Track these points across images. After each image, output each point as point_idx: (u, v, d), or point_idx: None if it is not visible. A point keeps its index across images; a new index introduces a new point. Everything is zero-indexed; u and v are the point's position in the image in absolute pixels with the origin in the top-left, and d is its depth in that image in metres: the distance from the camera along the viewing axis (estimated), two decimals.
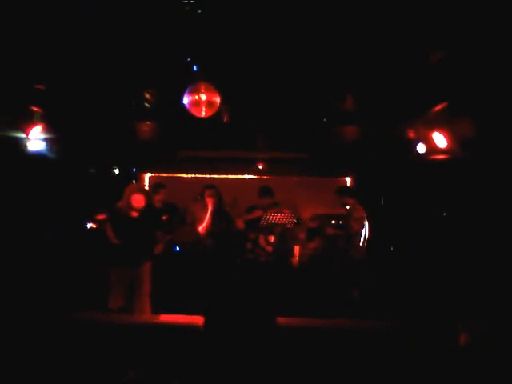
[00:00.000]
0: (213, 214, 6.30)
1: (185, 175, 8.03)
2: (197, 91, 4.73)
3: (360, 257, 6.47)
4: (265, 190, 6.55)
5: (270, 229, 6.36)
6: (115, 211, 5.59)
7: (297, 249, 6.71)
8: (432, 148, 5.98)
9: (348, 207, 6.56)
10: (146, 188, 7.99)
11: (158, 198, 6.60)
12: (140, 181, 8.08)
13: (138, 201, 5.49)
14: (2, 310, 4.78)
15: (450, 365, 3.86)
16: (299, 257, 6.73)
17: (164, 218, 6.31)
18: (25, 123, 5.89)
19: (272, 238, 6.39)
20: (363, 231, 6.47)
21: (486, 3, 3.61)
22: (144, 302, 5.58)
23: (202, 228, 6.28)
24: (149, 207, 5.64)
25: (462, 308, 5.10)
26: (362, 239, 6.47)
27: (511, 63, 4.24)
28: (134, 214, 5.54)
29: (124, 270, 5.51)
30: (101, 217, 5.67)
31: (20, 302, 5.30)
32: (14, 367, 3.80)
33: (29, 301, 5.43)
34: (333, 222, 6.87)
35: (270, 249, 6.40)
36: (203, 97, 4.71)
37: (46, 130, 6.04)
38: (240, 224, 6.54)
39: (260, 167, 7.70)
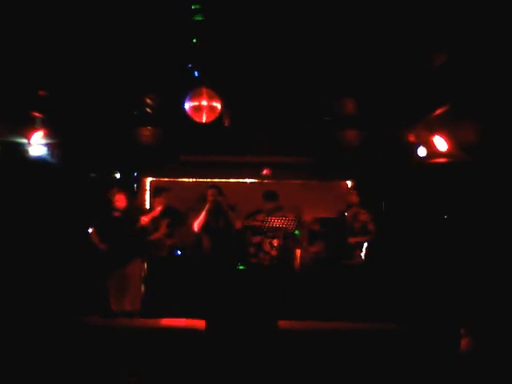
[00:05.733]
0: (211, 213, 6.27)
1: (186, 180, 8.03)
2: (198, 97, 4.74)
3: (363, 260, 6.49)
4: (269, 195, 6.53)
5: (274, 233, 6.35)
6: (98, 214, 5.79)
7: (298, 252, 6.71)
8: (433, 151, 5.99)
9: (351, 210, 6.56)
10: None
11: (160, 201, 6.61)
12: (141, 185, 8.08)
13: (120, 201, 5.72)
14: (6, 314, 4.80)
15: (453, 369, 3.87)
16: (300, 260, 6.72)
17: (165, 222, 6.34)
18: (26, 128, 5.92)
19: (276, 242, 6.38)
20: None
21: (486, 8, 3.63)
22: (135, 300, 5.71)
23: (196, 224, 6.25)
24: (130, 206, 5.87)
25: (465, 312, 5.10)
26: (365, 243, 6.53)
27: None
28: (117, 214, 5.74)
29: (115, 271, 5.65)
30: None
31: (24, 306, 5.32)
32: (20, 370, 3.82)
33: (33, 304, 5.45)
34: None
35: (274, 253, 6.39)
36: (204, 102, 4.72)
37: (48, 135, 6.06)
38: (239, 225, 6.51)
39: (265, 172, 7.68)
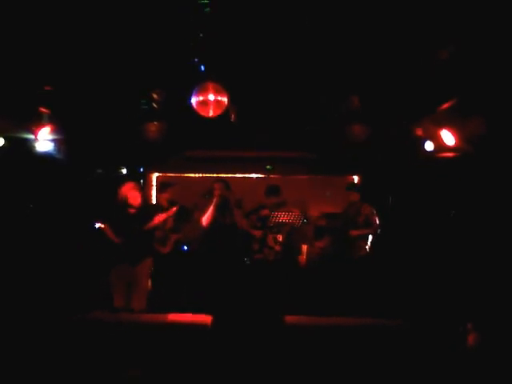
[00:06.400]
0: (218, 207, 6.25)
1: (192, 175, 8.03)
2: (204, 91, 4.73)
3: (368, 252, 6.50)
4: (271, 190, 6.50)
5: (278, 228, 6.35)
6: (112, 210, 5.65)
7: (304, 247, 6.70)
8: (440, 146, 5.96)
9: (354, 205, 6.56)
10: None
11: (165, 197, 6.61)
12: (148, 181, 8.09)
13: (135, 198, 5.56)
14: (10, 311, 4.82)
15: (459, 365, 3.85)
16: (307, 255, 6.72)
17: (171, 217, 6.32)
18: (33, 124, 5.93)
19: (280, 237, 6.37)
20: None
21: (493, 1, 3.60)
22: (142, 298, 5.59)
23: (204, 219, 6.21)
24: (145, 204, 5.76)
25: (472, 307, 5.08)
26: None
27: None
28: (132, 210, 5.59)
29: (123, 268, 5.53)
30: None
31: (27, 303, 5.34)
32: (23, 369, 3.83)
33: (37, 302, 5.47)
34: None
35: (278, 248, 6.38)
36: (211, 97, 4.71)
37: (55, 130, 6.07)
38: (245, 221, 6.51)
39: (268, 167, 7.68)
